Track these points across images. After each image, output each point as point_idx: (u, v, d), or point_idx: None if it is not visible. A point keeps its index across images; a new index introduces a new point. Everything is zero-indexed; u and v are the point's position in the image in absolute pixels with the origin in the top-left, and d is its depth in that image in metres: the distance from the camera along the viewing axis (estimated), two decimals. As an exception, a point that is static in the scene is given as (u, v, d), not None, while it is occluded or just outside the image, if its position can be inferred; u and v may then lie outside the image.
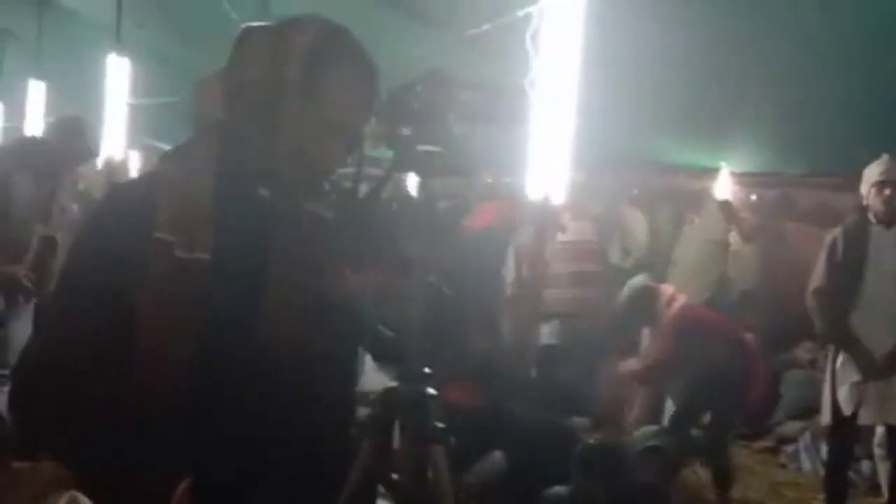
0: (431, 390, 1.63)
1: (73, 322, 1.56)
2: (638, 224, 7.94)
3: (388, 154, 1.73)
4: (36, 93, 12.10)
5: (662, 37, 5.34)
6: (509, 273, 6.31)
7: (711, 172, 8.25)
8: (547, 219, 5.88)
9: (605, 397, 6.13)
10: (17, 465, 2.83)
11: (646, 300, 5.51)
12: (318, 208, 1.67)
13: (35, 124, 12.41)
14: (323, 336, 1.64)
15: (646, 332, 5.86)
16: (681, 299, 5.53)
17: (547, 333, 6.43)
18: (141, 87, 9.36)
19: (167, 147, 1.71)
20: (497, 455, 4.60)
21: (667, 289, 5.69)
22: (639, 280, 5.70)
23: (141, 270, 1.52)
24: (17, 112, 13.24)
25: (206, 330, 1.54)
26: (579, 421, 5.55)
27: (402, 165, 1.60)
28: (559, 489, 4.10)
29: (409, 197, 1.80)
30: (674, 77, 5.91)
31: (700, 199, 7.80)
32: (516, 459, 4.54)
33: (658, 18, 5.21)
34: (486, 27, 5.52)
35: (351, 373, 1.72)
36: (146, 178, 1.74)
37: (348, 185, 1.67)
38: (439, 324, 1.67)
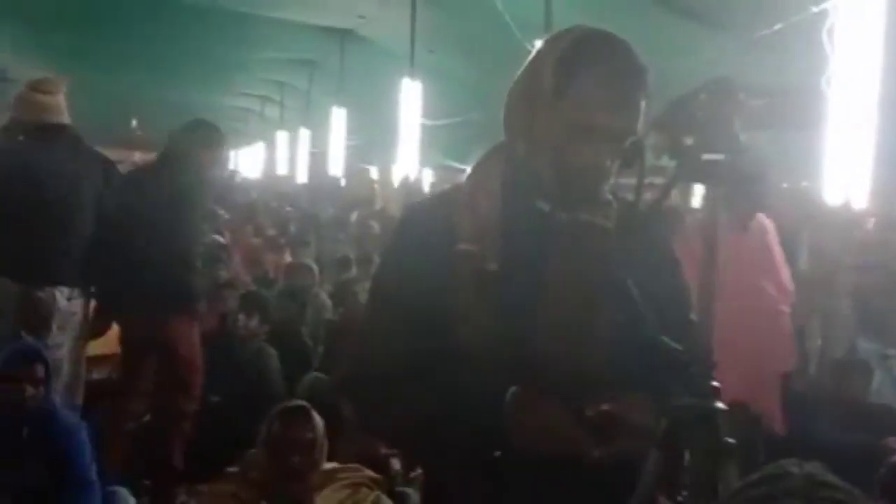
0: (721, 405, 1.58)
1: (392, 327, 1.69)
2: None
3: (671, 164, 1.70)
4: (338, 119, 13.01)
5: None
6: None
7: None
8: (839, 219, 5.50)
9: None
10: (327, 465, 3.08)
11: None
12: (597, 218, 1.69)
13: (338, 148, 13.36)
14: (608, 348, 1.65)
15: None
16: None
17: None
18: (432, 108, 9.80)
19: (458, 165, 1.82)
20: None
21: None
22: None
23: (449, 278, 1.64)
24: (321, 138, 14.32)
25: (495, 339, 1.62)
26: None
27: (687, 175, 1.57)
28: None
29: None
30: None
31: None
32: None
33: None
34: (778, 27, 5.29)
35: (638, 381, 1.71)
36: (446, 194, 1.87)
37: (630, 196, 1.67)
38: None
